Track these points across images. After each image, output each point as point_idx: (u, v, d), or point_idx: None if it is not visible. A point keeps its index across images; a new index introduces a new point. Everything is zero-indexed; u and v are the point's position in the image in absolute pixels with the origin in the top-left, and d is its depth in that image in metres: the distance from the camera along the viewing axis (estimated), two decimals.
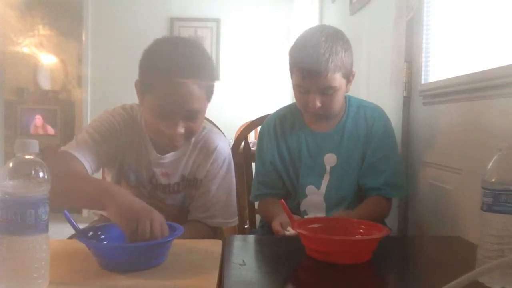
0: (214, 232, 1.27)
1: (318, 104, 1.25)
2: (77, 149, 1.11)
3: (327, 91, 1.24)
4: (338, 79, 1.23)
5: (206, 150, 1.24)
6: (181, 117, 1.10)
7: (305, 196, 1.36)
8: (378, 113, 1.36)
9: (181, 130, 1.11)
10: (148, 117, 1.14)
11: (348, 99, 1.38)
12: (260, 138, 1.45)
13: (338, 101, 1.29)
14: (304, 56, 1.23)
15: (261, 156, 1.43)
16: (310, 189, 1.35)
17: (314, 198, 1.35)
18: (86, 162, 1.11)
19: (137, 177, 1.23)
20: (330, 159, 1.34)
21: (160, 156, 1.21)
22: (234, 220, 1.29)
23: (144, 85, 1.12)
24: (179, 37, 1.30)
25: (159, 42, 1.14)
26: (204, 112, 1.15)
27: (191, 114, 1.11)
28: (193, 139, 1.22)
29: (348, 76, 1.28)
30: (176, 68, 1.07)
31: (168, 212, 1.23)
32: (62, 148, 1.13)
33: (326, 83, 1.22)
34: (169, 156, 1.22)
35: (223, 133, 1.40)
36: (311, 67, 1.21)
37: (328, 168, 1.34)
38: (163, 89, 1.08)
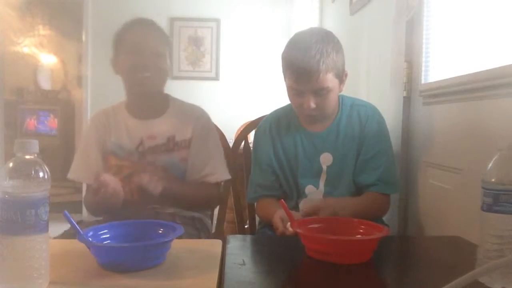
0: (217, 186, 1.46)
1: (313, 105, 1.26)
2: (76, 174, 1.46)
3: (321, 92, 1.26)
4: (330, 80, 1.25)
5: (188, 116, 1.43)
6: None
7: (306, 195, 1.37)
8: (371, 111, 1.38)
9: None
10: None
11: (341, 99, 1.39)
12: (256, 140, 1.46)
13: (332, 101, 1.30)
14: (296, 59, 1.25)
15: (257, 159, 1.43)
16: (309, 188, 1.36)
17: (314, 197, 1.35)
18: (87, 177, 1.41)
19: (123, 149, 1.39)
20: (326, 159, 1.35)
21: (143, 121, 1.40)
22: (228, 174, 1.47)
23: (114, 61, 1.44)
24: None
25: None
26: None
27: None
28: (171, 105, 1.44)
29: (341, 76, 1.30)
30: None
31: (157, 173, 1.33)
32: (69, 176, 1.45)
33: (319, 84, 1.24)
34: (151, 121, 1.41)
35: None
36: (303, 69, 1.23)
37: (324, 167, 1.35)
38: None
